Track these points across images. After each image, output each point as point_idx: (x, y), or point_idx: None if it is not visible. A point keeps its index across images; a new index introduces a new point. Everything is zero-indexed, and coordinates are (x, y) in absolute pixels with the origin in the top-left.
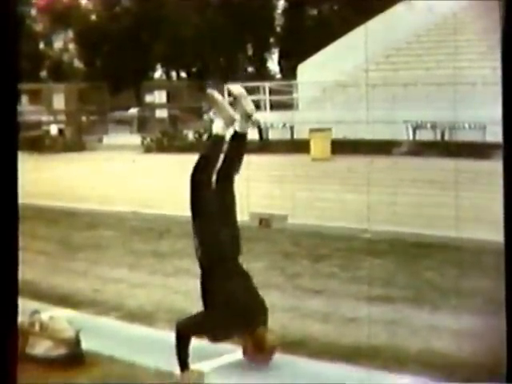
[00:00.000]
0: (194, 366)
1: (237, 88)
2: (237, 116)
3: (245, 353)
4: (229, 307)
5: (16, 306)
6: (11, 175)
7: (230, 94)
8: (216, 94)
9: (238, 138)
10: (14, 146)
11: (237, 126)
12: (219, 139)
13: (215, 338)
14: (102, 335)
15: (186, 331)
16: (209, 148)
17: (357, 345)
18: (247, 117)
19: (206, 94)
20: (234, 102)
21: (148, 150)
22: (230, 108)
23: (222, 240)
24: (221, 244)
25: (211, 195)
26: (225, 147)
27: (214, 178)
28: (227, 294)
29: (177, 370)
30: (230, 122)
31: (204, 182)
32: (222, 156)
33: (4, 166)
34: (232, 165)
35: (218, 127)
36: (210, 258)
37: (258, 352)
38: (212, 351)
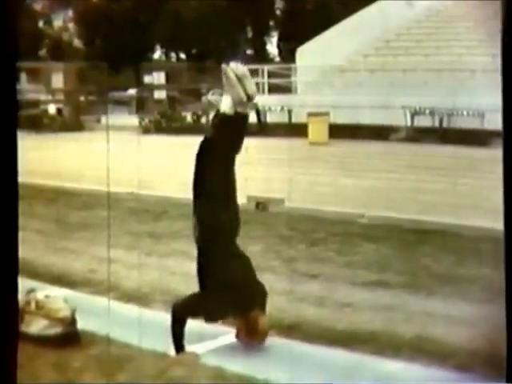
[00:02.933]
0: (189, 347)
1: (240, 68)
2: (244, 97)
3: (238, 335)
4: (224, 288)
5: (16, 285)
6: (11, 154)
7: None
8: (231, 72)
9: (239, 118)
10: (14, 125)
11: (238, 107)
12: (226, 118)
13: (210, 318)
14: (98, 315)
15: (181, 312)
16: (215, 127)
17: (352, 329)
18: (248, 98)
19: (222, 68)
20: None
21: (146, 130)
22: (241, 88)
23: (220, 220)
24: (219, 224)
25: (213, 175)
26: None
27: (217, 157)
28: (223, 274)
29: (172, 351)
30: (238, 102)
31: (208, 161)
32: (225, 136)
33: (3, 145)
34: (233, 145)
35: (225, 106)
36: (207, 237)
37: (251, 335)
38: (207, 333)
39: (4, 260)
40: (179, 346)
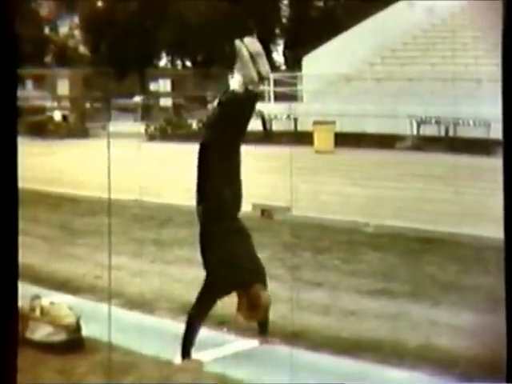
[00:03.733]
0: (193, 355)
1: (255, 45)
2: (256, 77)
3: (239, 310)
4: (226, 263)
5: (16, 290)
6: (11, 160)
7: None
8: (244, 49)
9: (250, 96)
10: (14, 132)
11: (249, 86)
12: (235, 96)
13: (217, 295)
14: (103, 322)
15: (196, 314)
16: (222, 104)
17: (357, 338)
18: (261, 78)
19: (234, 44)
20: (250, 59)
21: (151, 137)
22: (252, 67)
23: (223, 197)
24: (222, 201)
25: (218, 153)
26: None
27: (223, 135)
28: (225, 250)
29: (175, 358)
30: (249, 81)
31: (213, 138)
32: (233, 114)
33: (4, 151)
34: (241, 122)
35: (235, 84)
36: (210, 214)
37: (252, 309)
38: (212, 341)
39: (4, 266)
40: (187, 352)
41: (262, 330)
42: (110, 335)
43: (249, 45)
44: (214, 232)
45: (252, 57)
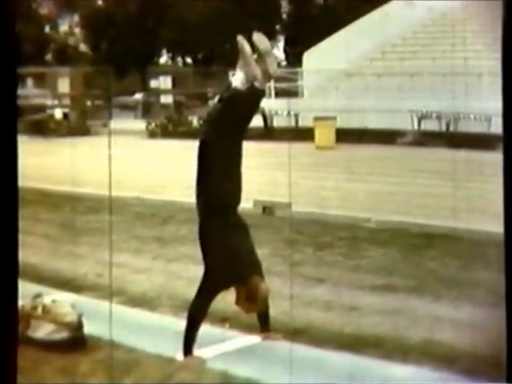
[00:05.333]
0: (195, 352)
1: (264, 41)
2: (259, 75)
3: (237, 302)
4: (225, 257)
5: (16, 288)
6: (11, 159)
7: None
8: (246, 46)
9: (254, 93)
10: (14, 130)
11: (255, 82)
12: (236, 93)
13: (215, 290)
14: (105, 320)
15: (198, 311)
16: (225, 100)
17: (359, 334)
18: (268, 76)
19: (236, 41)
20: (257, 56)
21: (152, 135)
22: (255, 65)
23: (223, 192)
24: (221, 196)
25: (219, 148)
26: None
27: (224, 131)
28: (224, 244)
29: (178, 355)
30: (251, 78)
31: (215, 132)
32: (235, 110)
33: (4, 149)
34: (243, 119)
35: (237, 80)
36: (209, 208)
37: (251, 301)
38: (214, 338)
39: (4, 264)
40: (189, 349)
41: (263, 324)
42: (112, 333)
43: (257, 41)
44: (213, 226)
45: (260, 54)
